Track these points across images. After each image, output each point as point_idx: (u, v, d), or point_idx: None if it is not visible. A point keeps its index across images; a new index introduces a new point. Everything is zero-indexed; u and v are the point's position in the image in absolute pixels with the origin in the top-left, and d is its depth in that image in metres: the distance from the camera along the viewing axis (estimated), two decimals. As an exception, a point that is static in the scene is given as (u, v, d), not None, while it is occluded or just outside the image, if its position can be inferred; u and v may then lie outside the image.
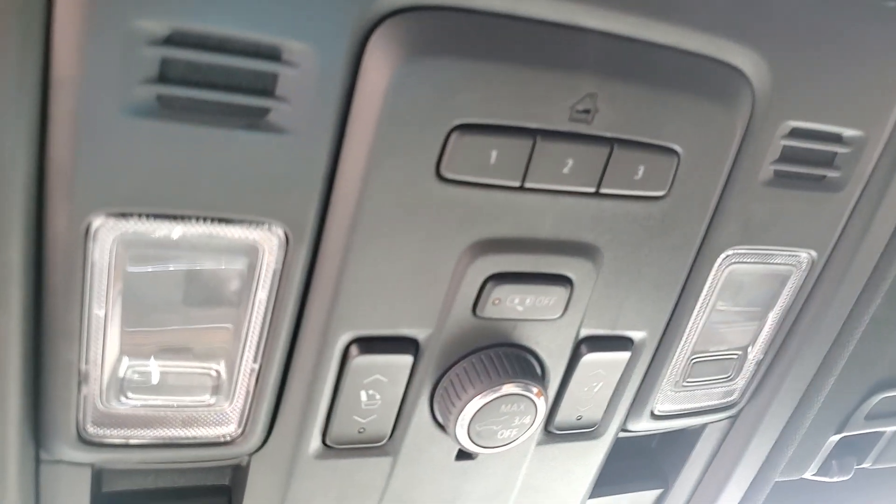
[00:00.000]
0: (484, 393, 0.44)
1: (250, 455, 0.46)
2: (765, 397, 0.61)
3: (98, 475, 0.45)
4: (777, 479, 0.75)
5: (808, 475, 0.83)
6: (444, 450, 0.49)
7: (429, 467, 0.49)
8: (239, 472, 0.50)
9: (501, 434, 0.46)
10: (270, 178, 0.36)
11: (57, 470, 0.42)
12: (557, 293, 0.43)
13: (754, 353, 0.57)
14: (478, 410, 0.44)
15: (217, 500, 0.51)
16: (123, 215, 0.35)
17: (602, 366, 0.49)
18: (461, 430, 0.45)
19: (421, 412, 0.46)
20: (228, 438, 0.44)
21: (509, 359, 0.45)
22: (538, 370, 0.47)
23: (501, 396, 0.44)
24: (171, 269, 0.37)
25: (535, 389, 0.45)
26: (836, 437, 0.76)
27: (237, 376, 0.42)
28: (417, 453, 0.48)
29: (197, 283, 0.38)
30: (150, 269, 0.36)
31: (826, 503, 1.03)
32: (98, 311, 0.36)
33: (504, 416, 0.45)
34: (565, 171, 0.39)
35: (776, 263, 0.52)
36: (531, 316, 0.44)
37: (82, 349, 0.37)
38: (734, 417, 0.62)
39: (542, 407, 0.46)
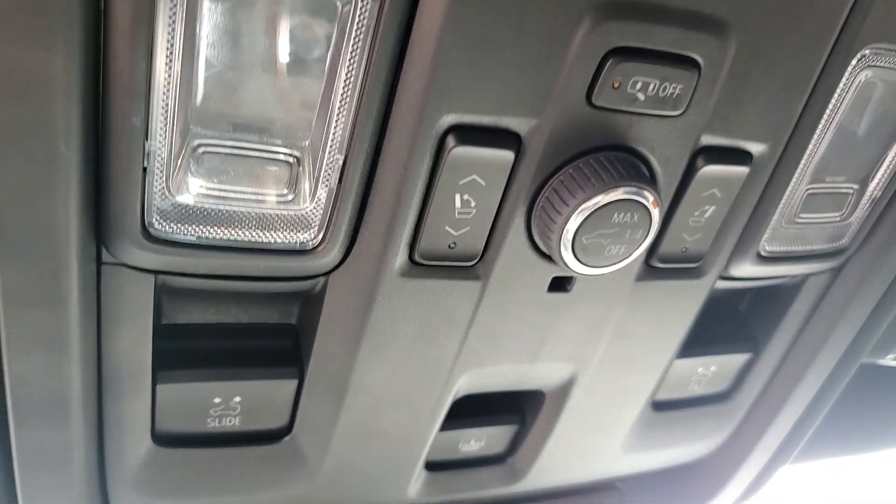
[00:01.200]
0: (596, 197, 0.38)
1: (328, 274, 0.41)
2: (871, 250, 0.56)
3: (160, 295, 0.41)
4: (862, 361, 0.70)
5: (889, 359, 0.78)
6: (538, 278, 0.44)
7: (519, 298, 0.44)
8: (309, 307, 0.45)
9: (610, 250, 0.41)
10: None
11: (119, 276, 0.37)
12: (684, 79, 0.37)
13: (872, 189, 0.51)
14: (588, 217, 0.39)
15: (282, 342, 0.47)
16: None
17: (718, 183, 0.44)
18: (566, 244, 0.39)
19: (517, 229, 0.41)
20: (308, 246, 0.39)
21: (623, 163, 0.39)
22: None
23: (615, 202, 0.39)
24: (254, 18, 0.31)
25: (651, 197, 0.39)
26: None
27: (320, 168, 0.36)
28: (509, 279, 0.43)
29: (281, 41, 0.32)
30: (228, 14, 0.31)
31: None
32: (165, 65, 0.31)
33: (615, 229, 0.40)
34: None
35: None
36: (651, 109, 0.38)
37: (149, 116, 0.32)
38: (836, 270, 0.57)
39: (656, 219, 0.40)
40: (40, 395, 0.38)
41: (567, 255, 0.40)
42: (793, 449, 0.73)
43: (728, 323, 0.61)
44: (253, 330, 0.47)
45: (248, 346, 0.46)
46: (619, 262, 0.42)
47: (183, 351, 0.45)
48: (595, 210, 0.38)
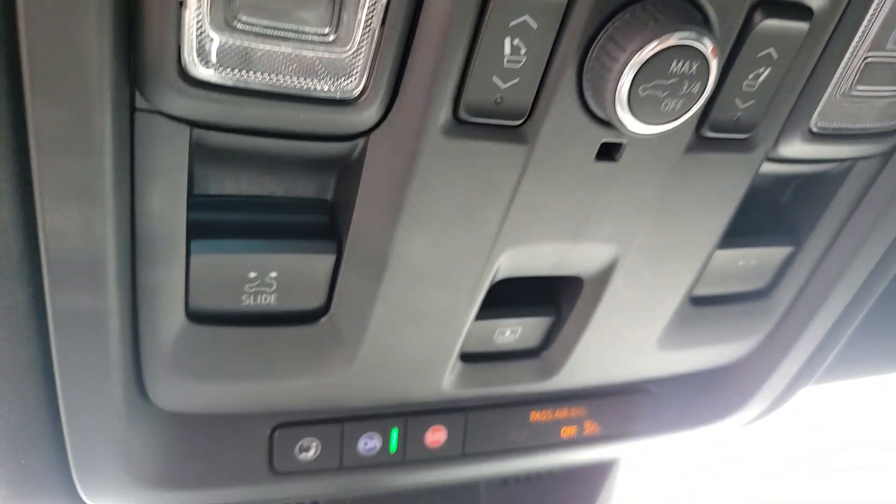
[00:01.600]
0: (653, 41, 0.36)
1: (368, 134, 0.40)
2: None
3: (193, 160, 0.39)
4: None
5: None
6: (586, 143, 0.42)
7: (565, 166, 0.43)
8: (347, 180, 0.43)
9: (666, 105, 0.39)
10: None
11: (154, 126, 0.36)
12: None
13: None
14: (644, 65, 0.36)
15: (318, 218, 0.45)
16: None
17: (775, 40, 0.41)
18: (621, 97, 0.37)
19: (568, 84, 0.39)
20: (349, 95, 0.37)
21: (681, 9, 0.37)
22: None
23: (673, 48, 0.36)
24: None
25: (709, 45, 0.37)
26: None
27: (363, 6, 0.34)
28: (556, 143, 0.41)
29: None
30: None
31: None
32: None
33: (672, 79, 0.38)
34: None
35: None
36: None
37: None
38: (885, 157, 0.55)
39: (714, 71, 0.38)
40: (75, 254, 0.37)
41: (621, 111, 0.38)
42: (826, 356, 0.72)
43: (770, 216, 0.60)
44: (288, 204, 0.45)
45: (283, 220, 0.45)
46: (675, 119, 0.40)
47: (217, 223, 0.43)
48: (653, 56, 0.36)
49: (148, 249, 0.40)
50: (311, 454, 0.55)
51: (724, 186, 0.49)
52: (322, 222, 0.45)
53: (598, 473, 0.86)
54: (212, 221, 0.43)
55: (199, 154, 0.40)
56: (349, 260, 0.45)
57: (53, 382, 0.43)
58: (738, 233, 0.56)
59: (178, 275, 0.42)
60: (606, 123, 0.41)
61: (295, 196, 0.45)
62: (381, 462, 0.57)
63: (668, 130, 0.41)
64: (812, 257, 0.60)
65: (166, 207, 0.39)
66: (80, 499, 0.50)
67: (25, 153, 0.34)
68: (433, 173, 0.40)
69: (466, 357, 0.56)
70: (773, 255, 0.59)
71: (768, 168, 0.52)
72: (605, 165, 0.44)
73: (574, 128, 0.41)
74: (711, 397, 0.71)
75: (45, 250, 0.36)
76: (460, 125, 0.39)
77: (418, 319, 0.49)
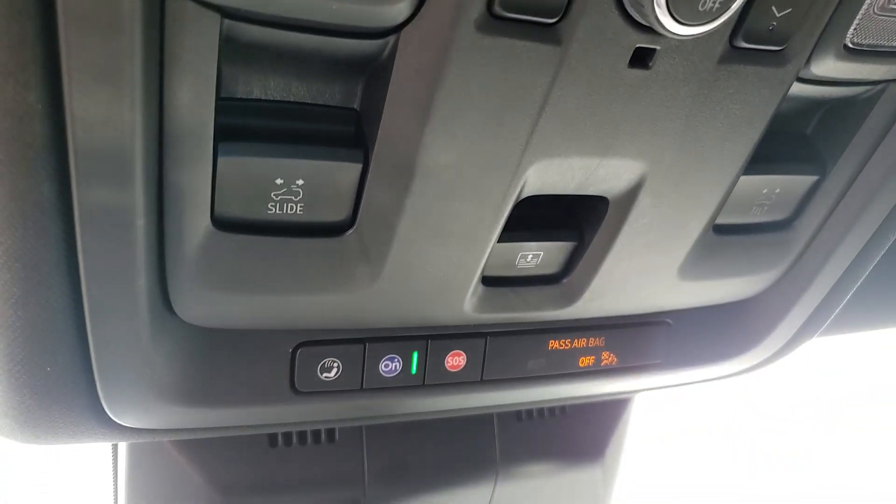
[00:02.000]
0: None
1: (399, 30, 0.39)
2: None
3: (221, 58, 0.38)
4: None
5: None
6: (620, 47, 0.41)
7: (599, 72, 0.42)
8: (375, 85, 0.43)
9: (705, 3, 0.38)
10: None
11: (184, 12, 0.35)
12: None
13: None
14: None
15: (345, 128, 0.45)
16: None
17: (817, -57, 0.40)
18: None
19: None
20: None
21: None
22: None
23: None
24: None
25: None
26: None
27: None
28: (590, 45, 0.40)
29: None
30: None
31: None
32: None
33: None
34: None
35: None
36: None
37: None
38: None
39: None
40: (103, 144, 0.36)
41: (658, 8, 0.37)
42: (843, 296, 0.71)
43: (796, 146, 0.59)
44: (315, 113, 0.44)
45: (310, 129, 0.44)
46: (713, 20, 0.39)
47: (245, 128, 0.43)
48: None
49: (176, 147, 0.39)
50: (332, 374, 0.55)
51: (754, 103, 0.48)
52: (349, 132, 0.45)
53: (611, 414, 0.87)
54: (239, 126, 0.42)
55: (229, 51, 0.39)
56: (376, 170, 0.45)
57: (79, 286, 0.43)
58: (764, 160, 0.55)
59: (205, 177, 0.41)
60: (641, 27, 0.41)
61: (322, 104, 0.44)
62: (402, 384, 0.57)
63: (703, 35, 0.40)
64: (837, 187, 0.60)
65: (195, 102, 0.38)
66: (105, 412, 0.50)
67: (53, 33, 0.33)
68: (464, 73, 0.40)
69: (488, 281, 0.56)
70: (797, 183, 0.59)
71: (798, 90, 0.51)
72: (637, 73, 0.43)
73: (609, 30, 0.40)
74: (727, 333, 0.71)
75: (73, 139, 0.36)
76: (494, 21, 0.38)
77: (444, 235, 0.48)
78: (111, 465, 0.79)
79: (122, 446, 0.74)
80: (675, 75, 0.44)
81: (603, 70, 0.42)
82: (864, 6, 0.46)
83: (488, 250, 0.51)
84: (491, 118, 0.42)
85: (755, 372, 0.81)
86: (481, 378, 0.60)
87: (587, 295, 0.59)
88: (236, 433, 0.59)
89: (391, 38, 0.40)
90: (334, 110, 0.45)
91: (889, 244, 0.69)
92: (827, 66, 0.49)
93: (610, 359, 0.65)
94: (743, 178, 0.55)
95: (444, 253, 0.50)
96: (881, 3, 0.46)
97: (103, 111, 0.35)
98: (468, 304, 0.55)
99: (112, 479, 0.79)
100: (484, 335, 0.60)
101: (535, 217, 0.55)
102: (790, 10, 0.43)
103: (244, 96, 0.43)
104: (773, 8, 0.43)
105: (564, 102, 0.43)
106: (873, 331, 1.13)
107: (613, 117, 0.45)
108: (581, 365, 0.64)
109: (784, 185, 0.58)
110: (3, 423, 0.50)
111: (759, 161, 0.55)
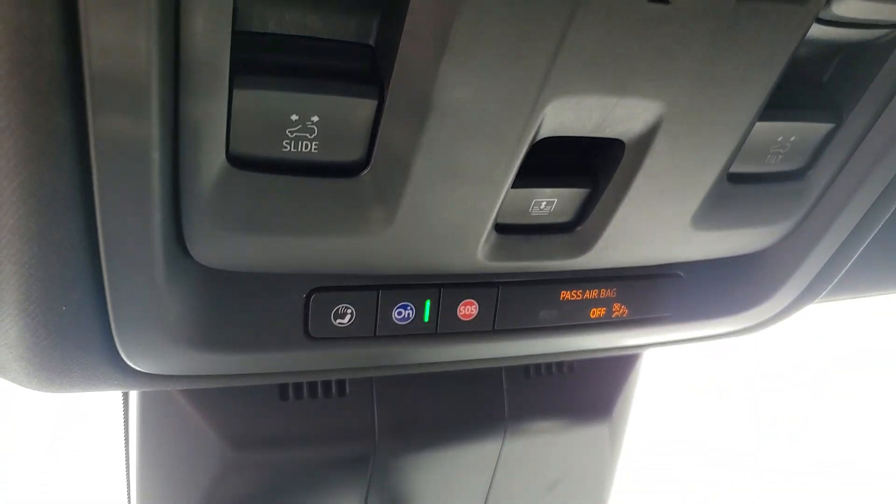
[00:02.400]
0: None
1: None
2: None
3: None
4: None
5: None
6: None
7: (617, 6, 0.41)
8: (390, 20, 0.42)
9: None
10: None
11: None
12: None
13: None
14: None
15: (360, 64, 0.45)
16: None
17: None
18: None
19: None
20: None
21: None
22: None
23: None
24: None
25: None
26: None
27: None
28: None
29: None
30: None
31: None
32: None
33: None
34: None
35: None
36: None
37: None
38: None
39: None
40: (118, 70, 0.36)
41: None
42: (854, 251, 0.71)
43: (812, 93, 0.58)
44: (331, 48, 0.44)
45: (325, 64, 0.44)
46: None
47: (260, 61, 0.42)
48: None
49: (192, 78, 0.39)
50: (346, 321, 0.55)
51: (772, 43, 0.48)
52: (364, 68, 0.44)
53: (619, 373, 0.87)
54: (255, 60, 0.42)
55: None
56: (391, 107, 0.44)
57: (95, 223, 0.42)
58: (780, 107, 0.55)
59: (221, 110, 0.41)
60: None
61: (337, 39, 0.44)
62: (414, 332, 0.57)
63: None
64: (852, 136, 0.59)
65: (211, 30, 0.38)
66: (119, 355, 0.50)
67: None
68: (482, 4, 0.39)
69: (501, 229, 0.56)
70: (813, 130, 0.58)
71: (817, 32, 0.51)
72: (657, 8, 0.43)
73: None
74: (738, 286, 0.71)
75: (88, 65, 0.35)
76: None
77: (459, 177, 0.48)
78: (122, 422, 0.80)
79: (134, 402, 0.74)
80: (695, 11, 0.43)
81: (622, 4, 0.41)
82: (887, -59, 0.45)
83: (503, 194, 0.51)
84: (508, 52, 0.42)
85: (758, 331, 0.81)
86: (493, 328, 0.60)
87: (600, 244, 0.58)
88: (250, 381, 0.59)
89: None
90: (350, 46, 0.44)
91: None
92: (847, 5, 0.48)
93: (621, 310, 0.65)
94: (758, 124, 0.55)
95: (458, 196, 0.49)
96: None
97: (119, 36, 0.35)
98: (481, 252, 0.55)
99: (123, 435, 0.79)
100: (496, 285, 0.59)
101: (549, 166, 0.55)
102: (813, -57, 0.43)
103: (259, 30, 0.42)
104: (796, -59, 0.42)
105: (583, 37, 0.42)
106: (874, 296, 1.13)
107: (632, 54, 0.44)
108: (592, 316, 0.64)
109: (799, 133, 0.58)
110: (18, 366, 0.50)
111: (776, 108, 0.54)
